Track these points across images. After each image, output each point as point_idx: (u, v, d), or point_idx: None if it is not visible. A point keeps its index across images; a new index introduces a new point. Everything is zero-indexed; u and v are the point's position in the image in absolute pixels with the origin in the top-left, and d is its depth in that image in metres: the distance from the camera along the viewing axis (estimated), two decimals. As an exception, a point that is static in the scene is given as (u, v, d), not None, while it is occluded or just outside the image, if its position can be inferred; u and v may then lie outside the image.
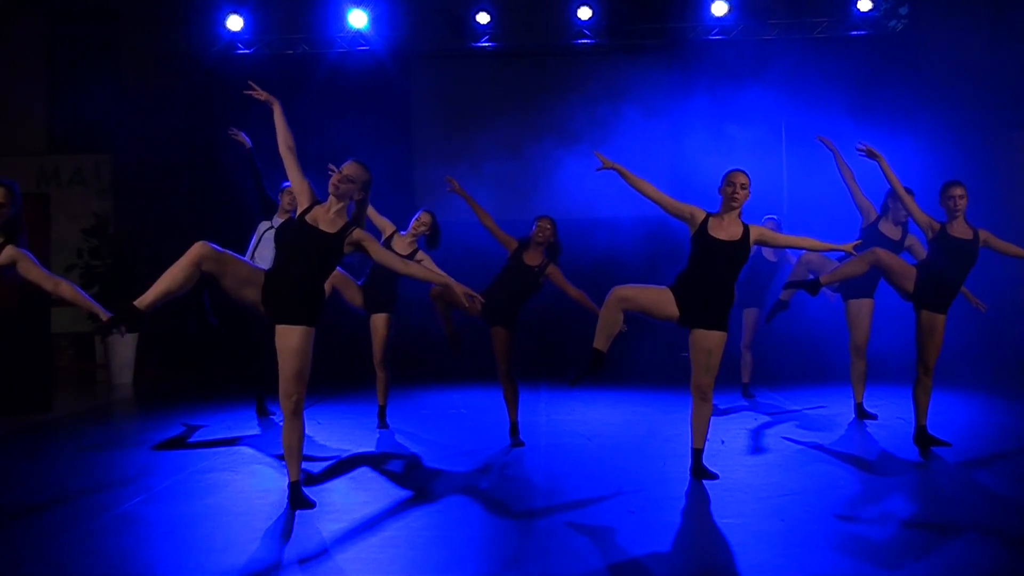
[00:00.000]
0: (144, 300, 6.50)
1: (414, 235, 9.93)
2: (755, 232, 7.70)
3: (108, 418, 12.11)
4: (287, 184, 10.34)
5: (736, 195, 7.63)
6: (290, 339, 6.76)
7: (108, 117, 18.83)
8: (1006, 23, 18.35)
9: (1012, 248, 8.88)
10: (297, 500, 6.97)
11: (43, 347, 12.05)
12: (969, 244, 8.69)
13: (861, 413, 10.32)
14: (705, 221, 7.66)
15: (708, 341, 7.64)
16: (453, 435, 10.04)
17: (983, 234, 8.76)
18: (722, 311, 7.69)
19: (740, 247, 7.62)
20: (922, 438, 8.83)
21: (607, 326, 7.86)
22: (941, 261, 8.69)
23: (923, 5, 17.88)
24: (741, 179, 7.67)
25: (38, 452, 9.95)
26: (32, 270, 7.47)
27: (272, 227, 10.66)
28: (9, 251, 7.42)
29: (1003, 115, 18.08)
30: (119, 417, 12.22)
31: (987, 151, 17.61)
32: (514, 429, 9.45)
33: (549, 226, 9.29)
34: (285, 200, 10.59)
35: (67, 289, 7.50)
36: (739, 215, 7.72)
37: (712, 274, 7.63)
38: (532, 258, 9.25)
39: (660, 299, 7.67)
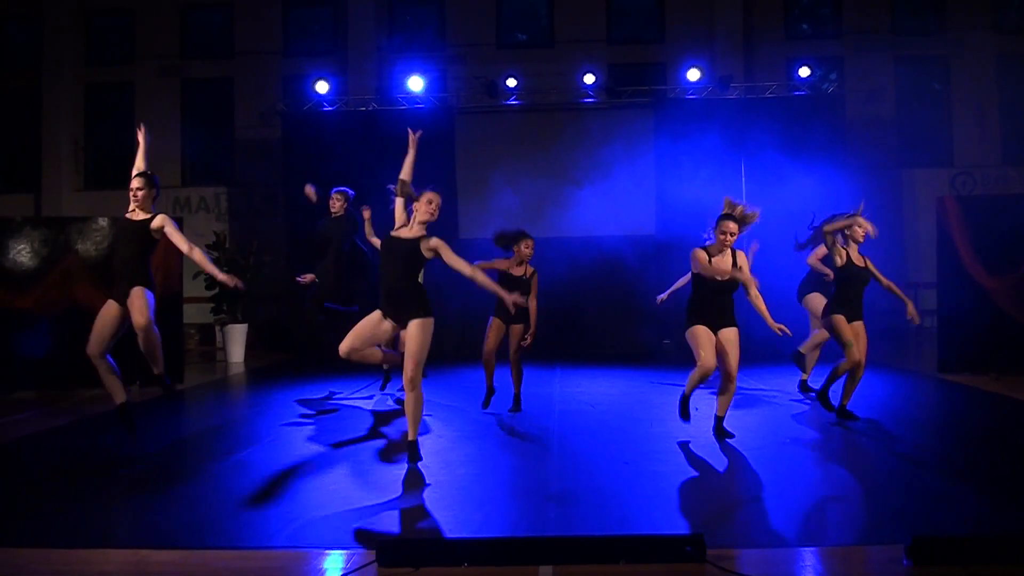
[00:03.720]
0: None
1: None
2: (739, 264, 7.52)
3: (226, 389, 12.20)
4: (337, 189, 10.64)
5: (726, 240, 7.41)
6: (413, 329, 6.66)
7: (225, 159, 19.08)
8: (907, 87, 18.54)
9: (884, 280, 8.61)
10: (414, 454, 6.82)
11: (177, 333, 12.12)
12: (864, 271, 8.44)
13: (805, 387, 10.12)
14: (709, 262, 7.40)
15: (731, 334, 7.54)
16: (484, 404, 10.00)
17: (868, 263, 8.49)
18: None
19: (732, 283, 7.44)
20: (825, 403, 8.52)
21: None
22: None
23: (848, 72, 17.99)
24: (730, 227, 7.42)
25: (174, 413, 10.04)
26: (175, 234, 7.47)
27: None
28: (160, 218, 7.49)
29: (904, 156, 18.26)
30: (234, 388, 12.30)
31: (891, 182, 17.76)
32: (517, 400, 9.24)
33: (530, 243, 8.79)
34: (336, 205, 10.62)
35: (198, 254, 7.52)
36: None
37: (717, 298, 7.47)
38: (516, 270, 8.78)
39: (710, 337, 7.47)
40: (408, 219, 6.83)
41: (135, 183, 7.48)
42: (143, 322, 7.25)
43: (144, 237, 7.46)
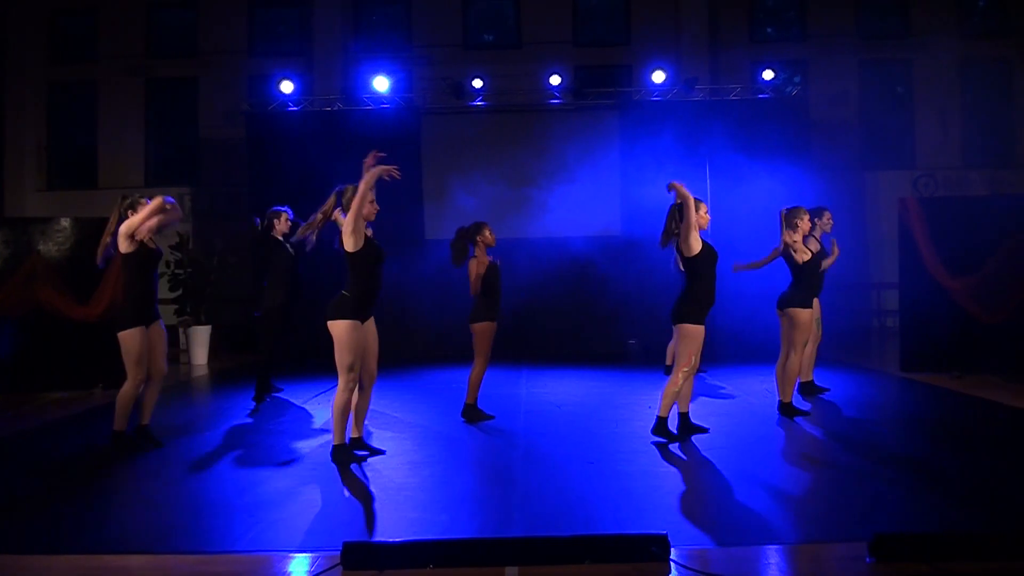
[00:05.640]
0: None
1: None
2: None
3: (189, 391, 12.10)
4: (277, 208, 10.30)
5: (703, 220, 7.43)
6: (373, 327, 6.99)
7: (189, 159, 18.97)
8: (870, 90, 18.79)
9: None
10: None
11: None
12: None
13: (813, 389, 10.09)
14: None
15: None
16: (451, 405, 9.95)
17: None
18: None
19: None
20: (788, 409, 8.65)
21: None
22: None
23: (812, 75, 18.16)
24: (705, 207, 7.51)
25: (137, 415, 9.93)
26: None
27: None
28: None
29: (866, 158, 18.49)
30: (197, 390, 12.20)
31: (854, 184, 17.96)
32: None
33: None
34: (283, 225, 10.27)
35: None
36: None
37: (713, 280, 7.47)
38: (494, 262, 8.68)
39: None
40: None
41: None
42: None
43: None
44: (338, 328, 6.71)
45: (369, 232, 7.01)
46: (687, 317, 7.32)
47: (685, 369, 7.35)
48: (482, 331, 8.58)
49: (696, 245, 7.33)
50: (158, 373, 7.53)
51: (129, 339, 7.26)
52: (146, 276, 7.41)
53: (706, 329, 7.42)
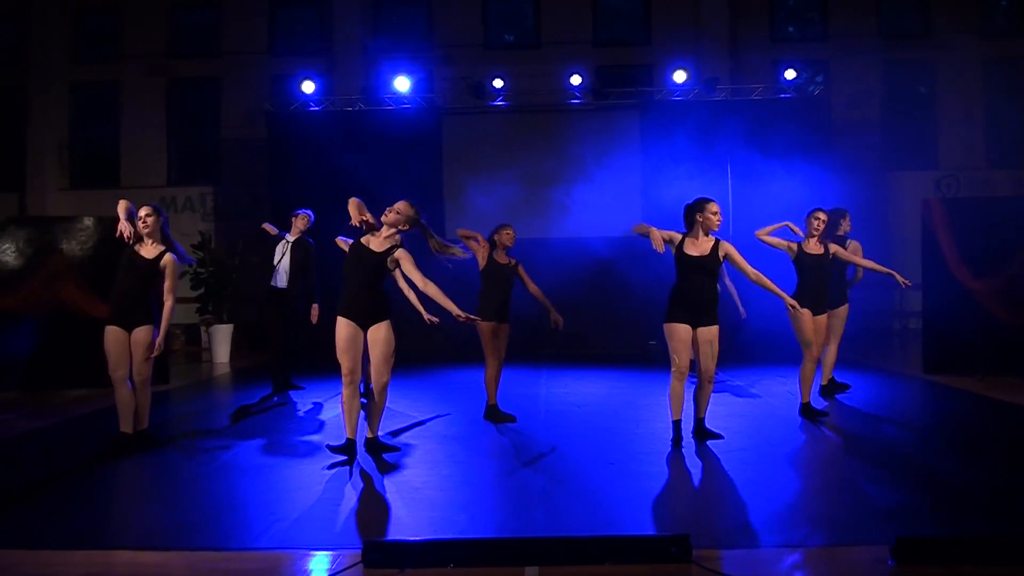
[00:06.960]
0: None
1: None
2: (723, 248, 7.29)
3: (211, 389, 12.14)
4: (300, 212, 10.63)
5: (709, 221, 7.27)
6: (379, 333, 6.92)
7: (211, 159, 19.03)
8: (893, 90, 18.66)
9: (856, 259, 9.01)
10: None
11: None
12: (822, 258, 8.70)
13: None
14: (681, 242, 7.35)
15: (708, 334, 7.34)
16: (472, 405, 9.95)
17: (832, 247, 8.78)
18: (712, 310, 7.41)
19: (711, 260, 7.28)
20: (808, 411, 8.66)
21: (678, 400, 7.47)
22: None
23: (834, 75, 18.07)
24: (715, 208, 7.31)
25: (158, 414, 9.97)
26: (170, 280, 7.54)
27: (288, 243, 10.69)
28: (167, 257, 7.54)
29: (889, 159, 18.36)
30: (219, 388, 12.25)
31: (876, 185, 17.84)
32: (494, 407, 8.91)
33: (511, 232, 8.79)
34: (298, 224, 10.64)
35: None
36: (707, 233, 7.33)
37: (695, 282, 7.33)
38: (502, 258, 8.74)
39: (684, 339, 7.34)
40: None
41: (143, 211, 7.53)
42: (145, 375, 7.58)
43: (151, 274, 7.53)
44: (336, 326, 6.96)
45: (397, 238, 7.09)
46: (664, 316, 7.46)
47: (673, 369, 7.35)
48: (481, 331, 8.65)
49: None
50: (139, 377, 7.55)
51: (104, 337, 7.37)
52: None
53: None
